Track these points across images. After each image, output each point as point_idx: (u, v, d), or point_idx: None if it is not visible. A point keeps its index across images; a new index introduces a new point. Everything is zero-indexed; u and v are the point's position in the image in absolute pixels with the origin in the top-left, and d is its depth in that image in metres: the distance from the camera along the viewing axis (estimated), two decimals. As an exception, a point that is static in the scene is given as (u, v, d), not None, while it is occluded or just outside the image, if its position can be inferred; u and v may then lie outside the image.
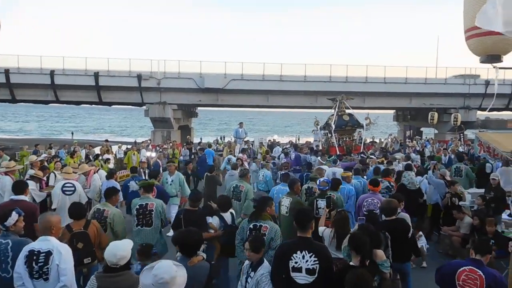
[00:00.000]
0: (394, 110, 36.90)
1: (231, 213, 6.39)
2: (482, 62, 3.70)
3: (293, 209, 6.39)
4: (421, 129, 36.39)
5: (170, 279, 3.21)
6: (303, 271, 3.94)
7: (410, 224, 5.93)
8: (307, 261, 3.95)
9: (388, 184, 7.71)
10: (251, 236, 4.94)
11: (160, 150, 19.22)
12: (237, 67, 29.41)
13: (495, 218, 8.04)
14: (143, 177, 10.24)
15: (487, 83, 29.94)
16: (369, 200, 7.08)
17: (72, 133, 56.75)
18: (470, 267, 4.16)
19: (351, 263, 4.02)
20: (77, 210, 5.35)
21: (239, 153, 19.54)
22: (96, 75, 28.01)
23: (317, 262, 3.94)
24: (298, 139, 33.53)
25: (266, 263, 4.13)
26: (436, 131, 32.11)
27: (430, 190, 9.61)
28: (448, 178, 9.41)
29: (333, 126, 16.79)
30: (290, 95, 30.11)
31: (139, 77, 28.35)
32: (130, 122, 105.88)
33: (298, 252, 3.98)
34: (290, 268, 3.96)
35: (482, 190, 9.80)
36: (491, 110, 34.05)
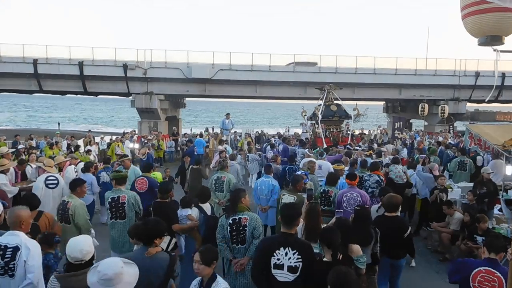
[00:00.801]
0: (384, 102, 36.68)
1: (211, 204, 6.34)
2: (480, 44, 3.25)
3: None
4: (411, 120, 36.26)
5: (114, 276, 3.08)
6: (284, 268, 3.81)
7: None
8: (290, 258, 3.82)
9: (378, 178, 7.34)
10: (233, 231, 4.85)
11: (145, 141, 18.72)
12: (225, 57, 28.83)
13: (487, 214, 7.78)
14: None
15: (477, 74, 29.74)
16: (348, 195, 6.76)
17: (59, 124, 55.99)
18: (486, 267, 3.86)
19: (324, 259, 3.86)
20: (28, 201, 5.10)
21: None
22: (81, 64, 27.25)
23: (300, 259, 3.81)
24: (288, 131, 33.25)
25: (220, 279, 3.70)
26: (426, 123, 31.96)
27: (418, 185, 9.34)
28: (437, 173, 9.07)
29: (320, 117, 16.35)
30: (279, 85, 29.63)
31: (125, 66, 27.64)
32: (119, 112, 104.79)
33: (281, 248, 3.85)
34: (272, 265, 3.84)
35: (471, 184, 9.54)
36: (480, 102, 33.92)
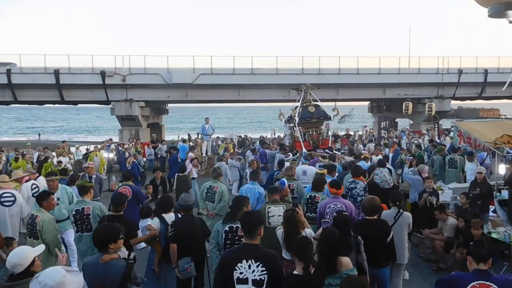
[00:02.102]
0: (369, 102, 36.42)
1: (176, 214, 6.03)
2: (491, 15, 2.68)
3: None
4: (396, 120, 36.05)
5: (56, 285, 3.05)
6: (249, 282, 3.57)
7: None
8: (253, 271, 3.58)
9: (364, 184, 6.71)
10: (227, 239, 4.76)
11: (122, 150, 17.98)
12: (206, 61, 28.56)
13: (481, 218, 7.26)
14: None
15: (460, 72, 29.68)
16: (332, 206, 5.98)
17: (39, 134, 54.77)
18: (480, 281, 3.52)
19: (294, 272, 3.59)
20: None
21: (206, 150, 18.59)
22: (57, 72, 26.37)
23: (265, 272, 3.58)
24: (274, 133, 32.75)
25: None
26: (411, 122, 31.72)
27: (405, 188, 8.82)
28: (426, 174, 8.51)
29: (297, 119, 15.19)
30: (262, 88, 29.20)
31: (103, 73, 26.85)
32: (104, 121, 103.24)
33: (244, 261, 3.60)
34: (235, 280, 3.58)
35: (464, 185, 9.06)
36: (464, 99, 33.87)
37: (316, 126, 15.99)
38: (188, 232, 5.43)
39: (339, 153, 12.51)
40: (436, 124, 20.80)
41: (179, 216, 5.88)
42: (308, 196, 6.81)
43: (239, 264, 3.61)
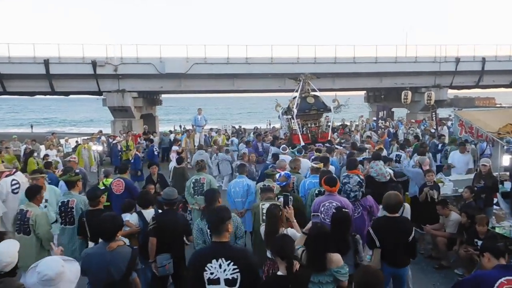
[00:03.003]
0: (365, 91, 35.99)
1: (156, 209, 6.01)
2: None
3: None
4: (393, 109, 35.73)
5: (56, 275, 3.09)
6: (221, 282, 3.43)
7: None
8: (225, 270, 3.44)
9: (359, 179, 6.27)
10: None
11: (114, 142, 17.53)
12: (200, 50, 27.84)
13: (486, 212, 6.90)
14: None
15: (458, 60, 29.24)
16: (327, 204, 5.56)
17: (32, 126, 54.03)
18: (508, 277, 3.34)
19: (278, 273, 3.43)
20: None
21: (199, 142, 18.13)
22: (47, 62, 25.67)
23: (238, 270, 3.44)
24: (270, 124, 32.31)
25: None
26: (408, 111, 31.35)
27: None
28: (427, 167, 8.10)
29: (295, 111, 14.49)
30: (257, 78, 28.62)
31: (94, 63, 26.18)
32: (99, 112, 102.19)
33: (214, 260, 3.46)
34: (206, 281, 3.44)
35: (466, 177, 8.68)
36: (461, 88, 33.52)
37: (315, 118, 15.30)
38: (170, 228, 5.24)
39: (341, 147, 11.83)
40: (433, 114, 20.43)
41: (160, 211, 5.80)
42: (317, 192, 6.48)
43: (209, 264, 3.46)
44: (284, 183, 6.40)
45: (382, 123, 20.78)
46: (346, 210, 5.05)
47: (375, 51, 28.96)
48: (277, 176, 6.70)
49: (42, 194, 6.17)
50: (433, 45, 29.99)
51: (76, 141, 18.84)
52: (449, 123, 21.17)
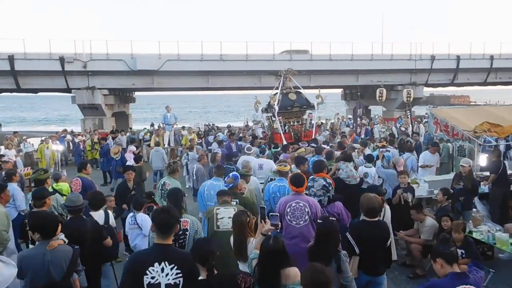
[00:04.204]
0: (342, 89, 35.83)
1: (106, 211, 5.80)
2: None
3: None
4: (369, 107, 35.66)
5: None
6: (162, 287, 3.26)
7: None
8: (167, 274, 3.27)
9: (324, 182, 5.78)
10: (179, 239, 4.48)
11: (78, 141, 16.73)
12: (173, 46, 27.14)
13: (464, 215, 6.48)
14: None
15: (433, 58, 29.34)
16: (294, 205, 5.18)
17: (0, 125, 52.09)
18: (463, 286, 3.21)
19: (200, 278, 3.36)
20: None
21: (168, 141, 17.44)
22: (11, 58, 24.57)
23: (181, 275, 3.29)
24: (247, 123, 31.81)
25: None
26: (384, 109, 31.28)
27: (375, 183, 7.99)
28: (401, 168, 7.69)
29: (277, 108, 13.58)
30: (232, 75, 28.14)
31: (62, 59, 25.21)
32: (74, 110, 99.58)
33: (156, 264, 3.28)
34: (145, 285, 3.26)
35: (442, 178, 8.27)
36: (436, 85, 33.67)
37: (297, 115, 14.44)
38: (75, 236, 4.65)
39: (327, 147, 11.11)
40: (408, 111, 20.21)
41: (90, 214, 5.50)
42: (270, 179, 6.34)
43: (150, 268, 3.27)
44: (231, 185, 5.93)
45: (358, 120, 20.41)
46: (333, 219, 4.50)
47: (351, 49, 28.92)
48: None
49: (7, 193, 5.97)
50: (408, 43, 29.94)
51: (41, 140, 17.87)
52: (424, 121, 21.02)
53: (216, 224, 5.20)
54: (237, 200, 5.81)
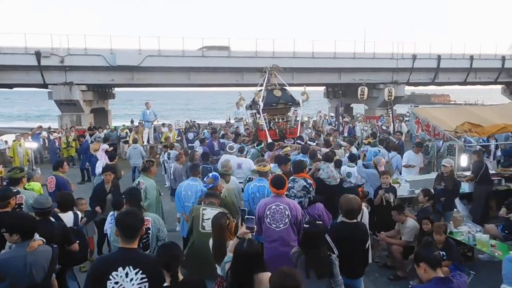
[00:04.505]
0: (324, 87, 35.75)
1: (75, 213, 5.65)
2: None
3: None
4: (351, 105, 35.72)
5: None
6: None
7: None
8: (131, 279, 3.17)
9: (305, 183, 5.56)
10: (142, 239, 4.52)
11: (53, 138, 16.25)
12: (154, 42, 26.58)
13: (445, 216, 6.37)
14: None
15: (414, 57, 29.51)
16: (274, 207, 4.97)
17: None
18: None
19: (165, 284, 3.20)
20: None
21: (148, 139, 17.09)
22: (-16, 52, 23.82)
23: (146, 279, 3.20)
24: (229, 120, 31.57)
25: None
26: (366, 107, 31.35)
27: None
28: (382, 168, 7.53)
29: (261, 104, 13.29)
30: (214, 72, 27.70)
31: (38, 54, 24.38)
32: (53, 106, 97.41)
33: (120, 269, 3.17)
34: None
35: (422, 177, 8.17)
36: (417, 84, 33.92)
37: (282, 112, 14.13)
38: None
39: (314, 143, 10.96)
40: (390, 110, 20.22)
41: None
42: (248, 178, 6.29)
43: (114, 273, 3.15)
44: (210, 185, 5.75)
45: (339, 119, 20.33)
46: (320, 222, 4.40)
47: (334, 47, 28.74)
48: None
49: None
50: (390, 42, 30.13)
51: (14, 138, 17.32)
52: (405, 120, 21.09)
53: (201, 225, 5.08)
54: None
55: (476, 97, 75.46)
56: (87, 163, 13.60)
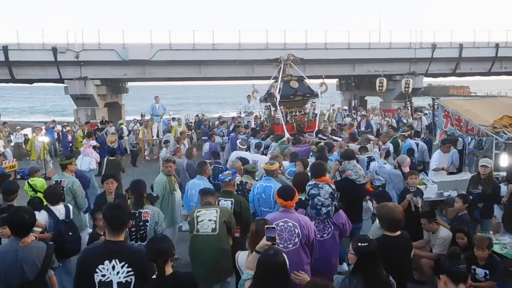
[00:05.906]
0: (337, 79, 35.00)
1: (66, 205, 5.66)
2: None
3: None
4: (365, 98, 34.93)
5: None
6: (114, 285, 3.19)
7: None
8: (118, 272, 3.19)
9: (331, 189, 4.79)
10: (132, 227, 4.56)
11: (65, 131, 16.30)
12: (165, 36, 26.44)
13: (482, 226, 5.73)
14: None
15: (434, 46, 28.28)
16: (281, 224, 4.22)
17: (-1, 115, 51.46)
18: None
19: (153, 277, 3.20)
20: None
21: (157, 133, 16.92)
22: (5, 49, 24.12)
23: (132, 273, 3.21)
24: (240, 114, 31.26)
25: None
26: (382, 100, 30.57)
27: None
28: (407, 168, 6.71)
29: (278, 97, 12.52)
30: (225, 65, 27.41)
31: (54, 50, 24.77)
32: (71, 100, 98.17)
33: (106, 262, 3.20)
34: (97, 283, 3.17)
35: (453, 178, 7.44)
36: (437, 75, 32.74)
37: (300, 105, 13.34)
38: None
39: (340, 139, 10.24)
40: (409, 103, 19.53)
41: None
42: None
43: (100, 266, 3.20)
44: (227, 178, 5.57)
45: (353, 112, 19.65)
46: (371, 239, 3.60)
47: (347, 37, 27.90)
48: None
49: None
50: (408, 31, 29.15)
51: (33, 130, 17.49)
52: (426, 112, 20.31)
53: (196, 227, 4.91)
54: (232, 200, 5.48)
55: (498, 88, 71.63)
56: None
